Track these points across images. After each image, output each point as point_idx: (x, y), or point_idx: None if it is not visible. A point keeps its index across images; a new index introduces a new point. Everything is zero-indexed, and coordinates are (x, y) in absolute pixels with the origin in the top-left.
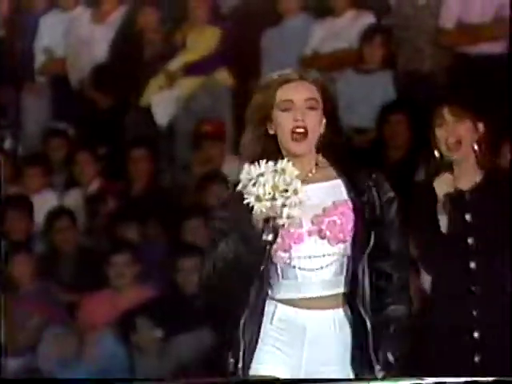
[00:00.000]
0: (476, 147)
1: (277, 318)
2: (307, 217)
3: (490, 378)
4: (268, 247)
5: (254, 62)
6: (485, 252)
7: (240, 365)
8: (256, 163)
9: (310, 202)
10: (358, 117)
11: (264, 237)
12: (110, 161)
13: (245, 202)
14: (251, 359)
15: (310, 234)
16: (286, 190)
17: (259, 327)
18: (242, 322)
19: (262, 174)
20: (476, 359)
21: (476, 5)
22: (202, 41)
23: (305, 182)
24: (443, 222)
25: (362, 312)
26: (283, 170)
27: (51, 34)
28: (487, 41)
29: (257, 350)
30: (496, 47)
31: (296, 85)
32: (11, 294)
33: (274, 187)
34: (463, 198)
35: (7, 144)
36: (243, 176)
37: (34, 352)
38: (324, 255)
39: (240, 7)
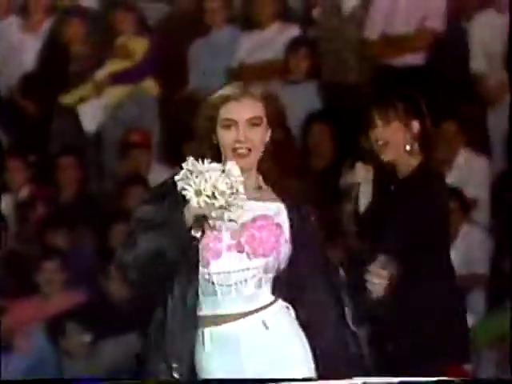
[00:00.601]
0: (408, 147)
1: (208, 344)
2: (227, 232)
3: (491, 378)
4: (195, 243)
5: (181, 72)
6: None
7: (176, 369)
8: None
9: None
10: None
11: (193, 232)
12: (40, 168)
13: (183, 192)
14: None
15: (228, 248)
16: (231, 193)
17: (191, 339)
18: (168, 328)
19: (206, 170)
20: None
21: (400, 16)
22: (129, 51)
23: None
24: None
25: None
26: (229, 171)
27: None
28: (410, 52)
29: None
30: (418, 58)
31: (239, 103)
32: None
33: (216, 186)
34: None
35: None
36: (186, 167)
37: None
38: (243, 270)
39: (168, 18)
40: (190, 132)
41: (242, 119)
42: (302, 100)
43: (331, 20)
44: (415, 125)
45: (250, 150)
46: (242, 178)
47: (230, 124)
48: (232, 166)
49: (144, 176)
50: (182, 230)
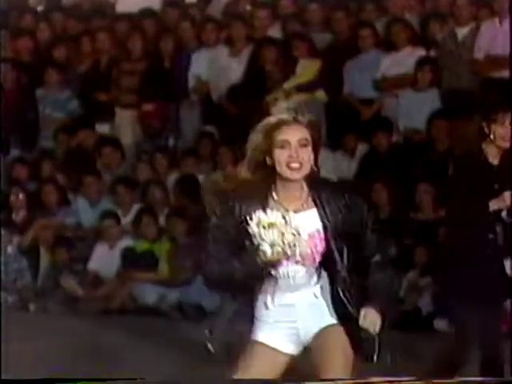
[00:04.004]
0: None
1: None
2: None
3: (493, 379)
4: (269, 273)
5: (339, 83)
6: None
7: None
8: (264, 212)
9: (292, 228)
10: (411, 121)
11: (273, 272)
12: (242, 153)
13: (260, 248)
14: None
15: (287, 259)
16: (293, 241)
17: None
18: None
19: (274, 223)
20: None
21: (499, 42)
22: (307, 69)
23: (292, 210)
24: None
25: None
26: (291, 221)
27: (199, 64)
28: (507, 68)
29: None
30: None
31: (290, 127)
32: None
33: (285, 237)
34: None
35: None
36: (256, 223)
37: None
38: (297, 274)
39: (330, 45)
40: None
41: (294, 140)
42: (427, 103)
43: (449, 44)
44: None
45: (301, 164)
46: (300, 226)
47: (285, 144)
48: (292, 216)
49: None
50: (257, 268)
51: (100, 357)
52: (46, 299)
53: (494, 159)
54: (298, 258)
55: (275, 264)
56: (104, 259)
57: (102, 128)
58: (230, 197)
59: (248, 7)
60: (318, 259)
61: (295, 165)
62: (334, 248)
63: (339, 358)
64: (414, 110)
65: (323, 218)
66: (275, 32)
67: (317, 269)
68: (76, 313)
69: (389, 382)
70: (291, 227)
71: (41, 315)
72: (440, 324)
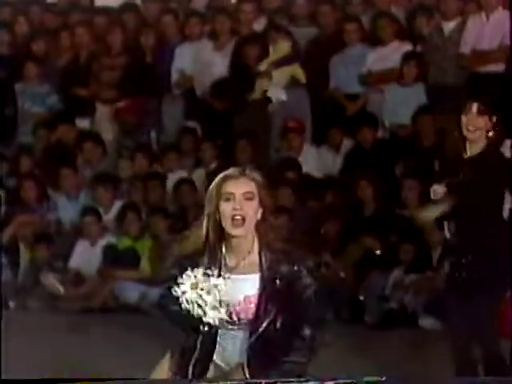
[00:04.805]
0: (490, 133)
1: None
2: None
3: (491, 378)
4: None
5: (325, 77)
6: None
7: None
8: (193, 272)
9: (229, 290)
10: (397, 116)
11: (201, 328)
12: (225, 148)
13: (197, 308)
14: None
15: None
16: (214, 305)
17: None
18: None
19: (216, 285)
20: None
21: (485, 37)
22: (279, 47)
23: (234, 270)
24: None
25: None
26: (214, 288)
27: (183, 59)
28: (493, 63)
29: None
30: (499, 67)
31: (236, 180)
32: None
33: (222, 299)
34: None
35: None
36: (195, 280)
37: None
38: (232, 337)
39: (315, 39)
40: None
41: (238, 192)
42: (412, 97)
43: (435, 38)
44: (493, 118)
45: (244, 219)
46: (227, 290)
47: (229, 197)
48: (215, 284)
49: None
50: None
51: (80, 356)
52: (26, 297)
53: (465, 152)
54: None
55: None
56: (85, 256)
57: (83, 123)
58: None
59: (233, 0)
60: (248, 324)
61: (238, 217)
62: (263, 314)
63: None
64: (400, 105)
65: (263, 282)
66: (260, 26)
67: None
68: (57, 311)
69: None
70: (214, 290)
71: (21, 312)
72: (426, 322)
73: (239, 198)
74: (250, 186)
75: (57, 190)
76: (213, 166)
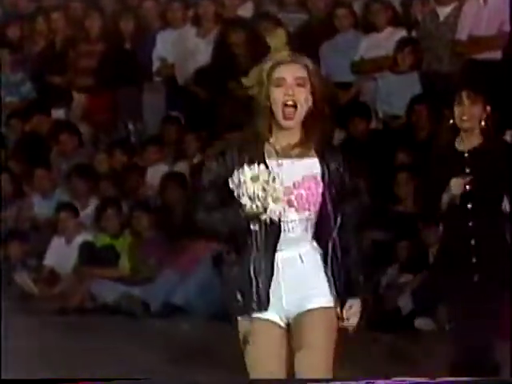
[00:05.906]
0: (483, 122)
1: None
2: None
3: (492, 379)
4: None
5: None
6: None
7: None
8: (249, 165)
9: (285, 175)
10: (390, 106)
11: (252, 227)
12: (209, 140)
13: (240, 201)
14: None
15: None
16: (277, 197)
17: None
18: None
19: (257, 177)
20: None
21: (483, 22)
22: (277, 37)
23: (287, 156)
24: None
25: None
26: (274, 180)
27: (164, 46)
28: (490, 49)
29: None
30: (496, 54)
31: (288, 65)
32: None
33: (266, 192)
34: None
35: None
36: (239, 176)
37: None
38: (291, 221)
39: (305, 25)
40: None
41: (290, 77)
42: (406, 86)
43: (430, 24)
44: (488, 108)
45: (295, 105)
46: (283, 185)
47: (281, 82)
48: (276, 175)
49: None
50: (239, 223)
51: (55, 359)
52: None
53: (460, 144)
54: (277, 213)
55: (254, 219)
56: (60, 254)
57: (58, 113)
58: (228, 144)
59: None
60: (312, 209)
61: (290, 103)
62: (330, 202)
63: (318, 359)
64: (394, 94)
65: (324, 168)
66: (246, 11)
67: (311, 225)
68: (30, 311)
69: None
70: (274, 182)
71: None
72: (421, 323)
73: (291, 83)
74: (302, 72)
75: (31, 187)
76: (196, 159)
